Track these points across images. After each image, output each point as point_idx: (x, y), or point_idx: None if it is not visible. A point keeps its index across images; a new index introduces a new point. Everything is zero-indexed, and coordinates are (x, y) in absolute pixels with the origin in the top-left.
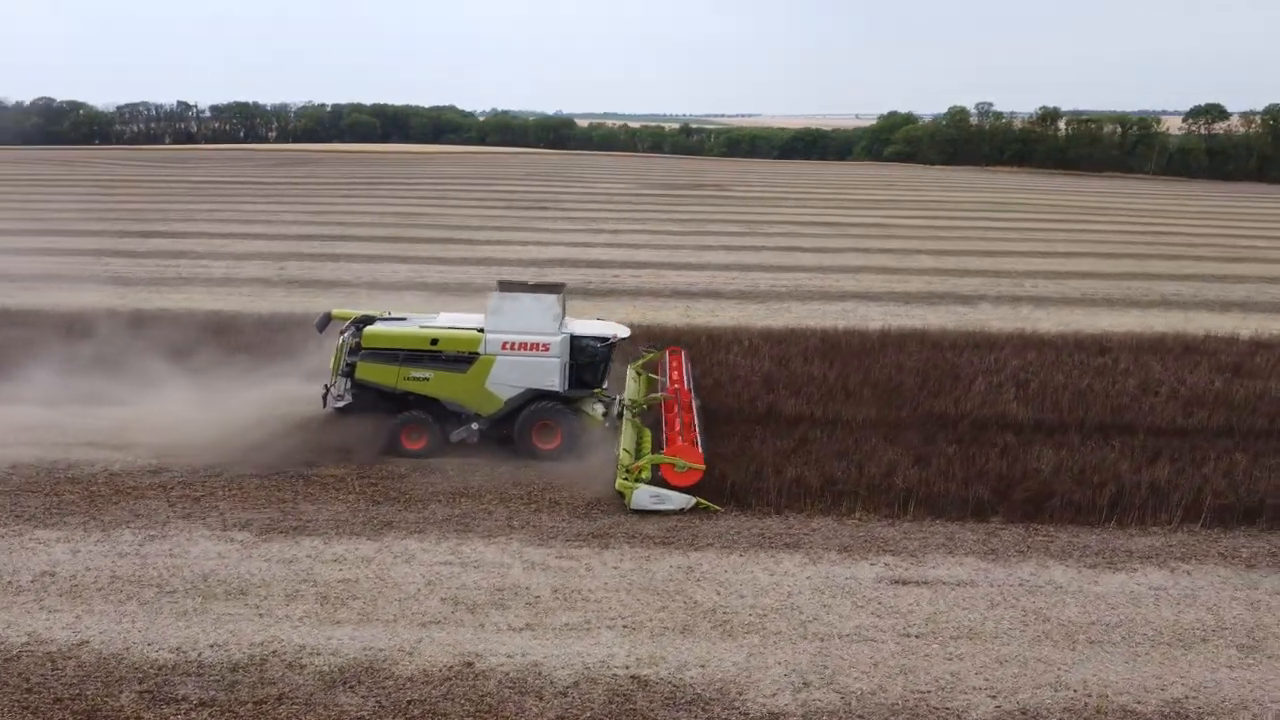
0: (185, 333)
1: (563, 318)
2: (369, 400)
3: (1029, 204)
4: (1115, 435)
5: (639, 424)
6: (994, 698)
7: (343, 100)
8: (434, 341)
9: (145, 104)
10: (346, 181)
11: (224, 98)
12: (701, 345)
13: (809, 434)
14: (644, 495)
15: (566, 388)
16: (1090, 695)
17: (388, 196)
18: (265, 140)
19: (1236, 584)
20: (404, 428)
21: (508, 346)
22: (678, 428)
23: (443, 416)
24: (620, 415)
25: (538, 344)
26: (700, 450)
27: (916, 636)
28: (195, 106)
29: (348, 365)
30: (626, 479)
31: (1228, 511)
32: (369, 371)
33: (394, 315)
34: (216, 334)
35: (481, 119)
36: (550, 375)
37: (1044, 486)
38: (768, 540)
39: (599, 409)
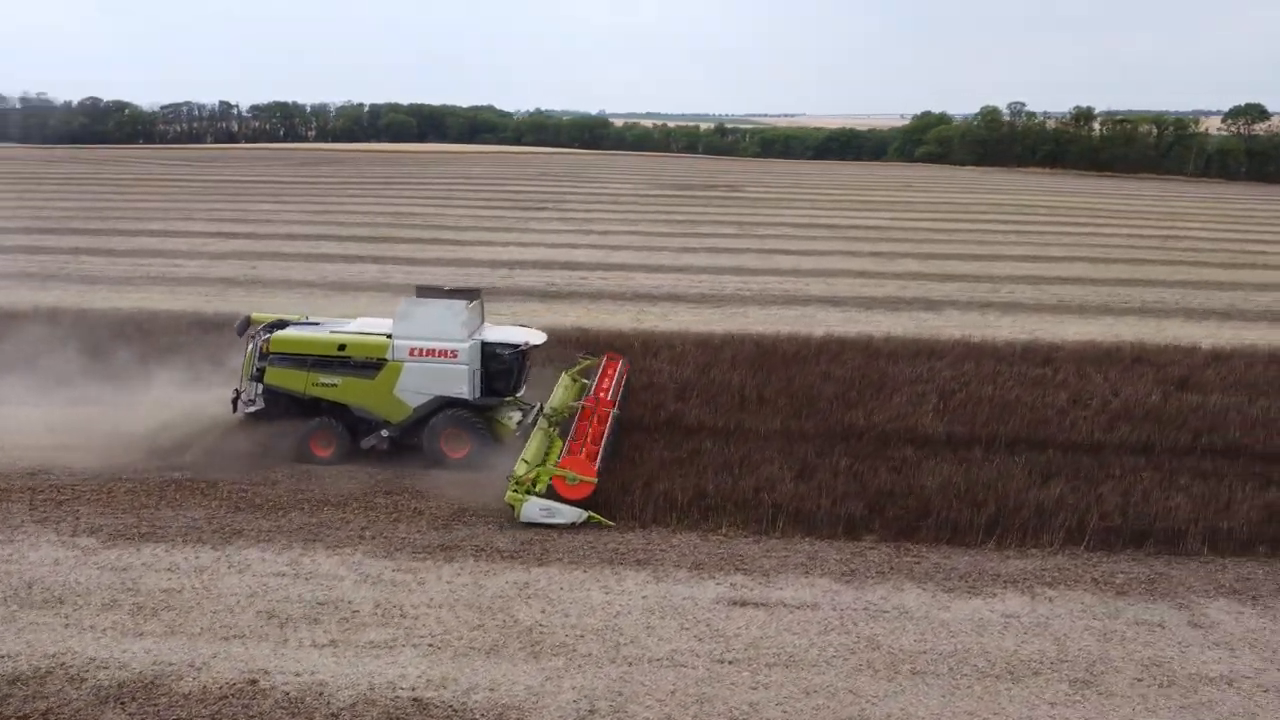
0: (125, 333)
1: (479, 324)
2: (281, 406)
3: (1046, 206)
4: (1026, 450)
5: (552, 433)
6: None
7: (391, 100)
8: (341, 347)
9: (188, 104)
10: (359, 181)
11: (266, 97)
12: (634, 351)
13: (703, 445)
14: (533, 508)
15: (477, 395)
16: None
17: (394, 196)
18: (304, 139)
19: (1097, 612)
20: (313, 434)
21: (415, 353)
22: (578, 439)
23: (353, 423)
24: (535, 424)
25: (446, 350)
26: (595, 463)
27: (730, 663)
28: (236, 106)
29: (258, 370)
30: (516, 490)
31: (1114, 534)
32: (278, 377)
33: (309, 320)
34: (152, 335)
35: (520, 119)
36: (459, 383)
37: (922, 504)
38: (619, 557)
39: (515, 417)
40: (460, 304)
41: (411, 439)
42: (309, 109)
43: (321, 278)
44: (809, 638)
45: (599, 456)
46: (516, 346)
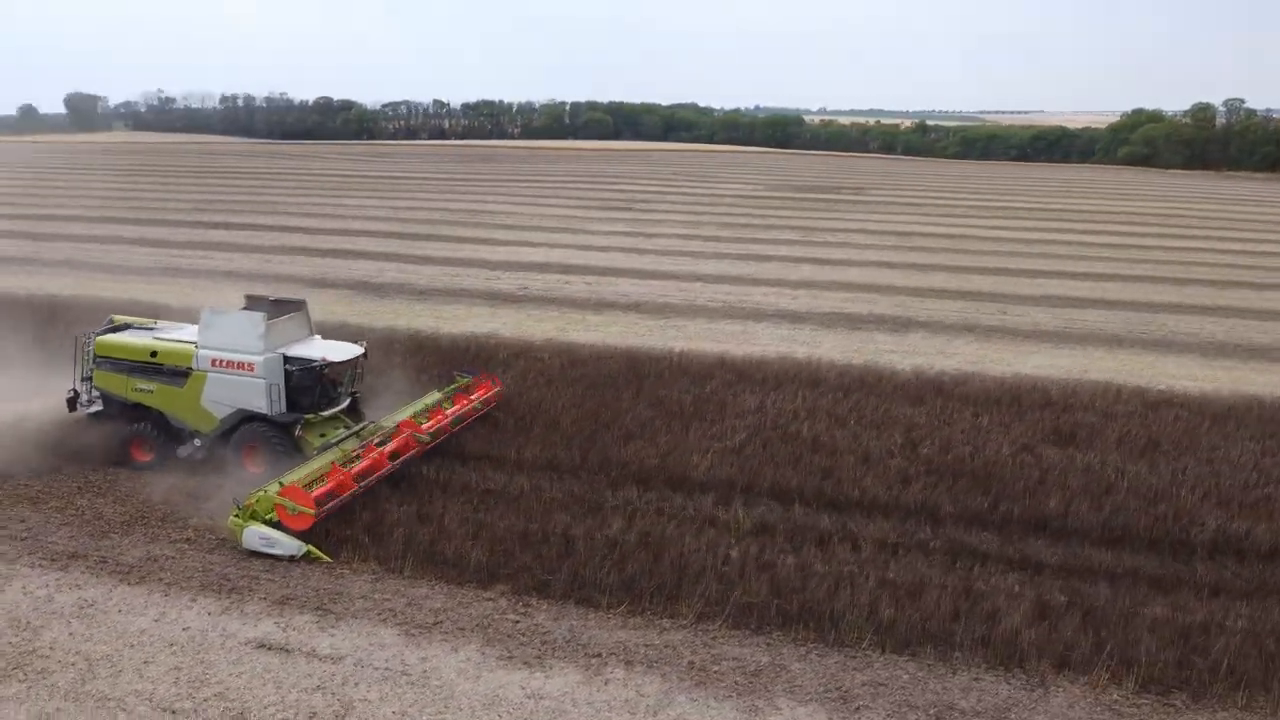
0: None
1: (297, 338)
2: (115, 408)
3: (1199, 218)
4: (784, 503)
5: (348, 455)
6: None
7: (592, 98)
8: (153, 354)
9: (406, 102)
10: (480, 177)
11: (475, 96)
12: (499, 361)
13: (425, 470)
14: (253, 535)
15: (279, 410)
16: None
17: (491, 193)
18: (509, 137)
19: (647, 695)
20: (134, 440)
21: (217, 364)
22: (344, 465)
23: (172, 431)
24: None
25: (244, 363)
26: (312, 494)
27: (171, 710)
28: (448, 105)
29: (88, 372)
30: (238, 516)
31: (763, 612)
32: (104, 380)
33: (145, 324)
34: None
35: (715, 117)
36: (256, 396)
37: (561, 556)
38: (217, 582)
39: (337, 434)
40: (259, 316)
41: (223, 449)
42: (515, 108)
43: (322, 274)
44: (280, 693)
45: (351, 488)
46: (312, 363)
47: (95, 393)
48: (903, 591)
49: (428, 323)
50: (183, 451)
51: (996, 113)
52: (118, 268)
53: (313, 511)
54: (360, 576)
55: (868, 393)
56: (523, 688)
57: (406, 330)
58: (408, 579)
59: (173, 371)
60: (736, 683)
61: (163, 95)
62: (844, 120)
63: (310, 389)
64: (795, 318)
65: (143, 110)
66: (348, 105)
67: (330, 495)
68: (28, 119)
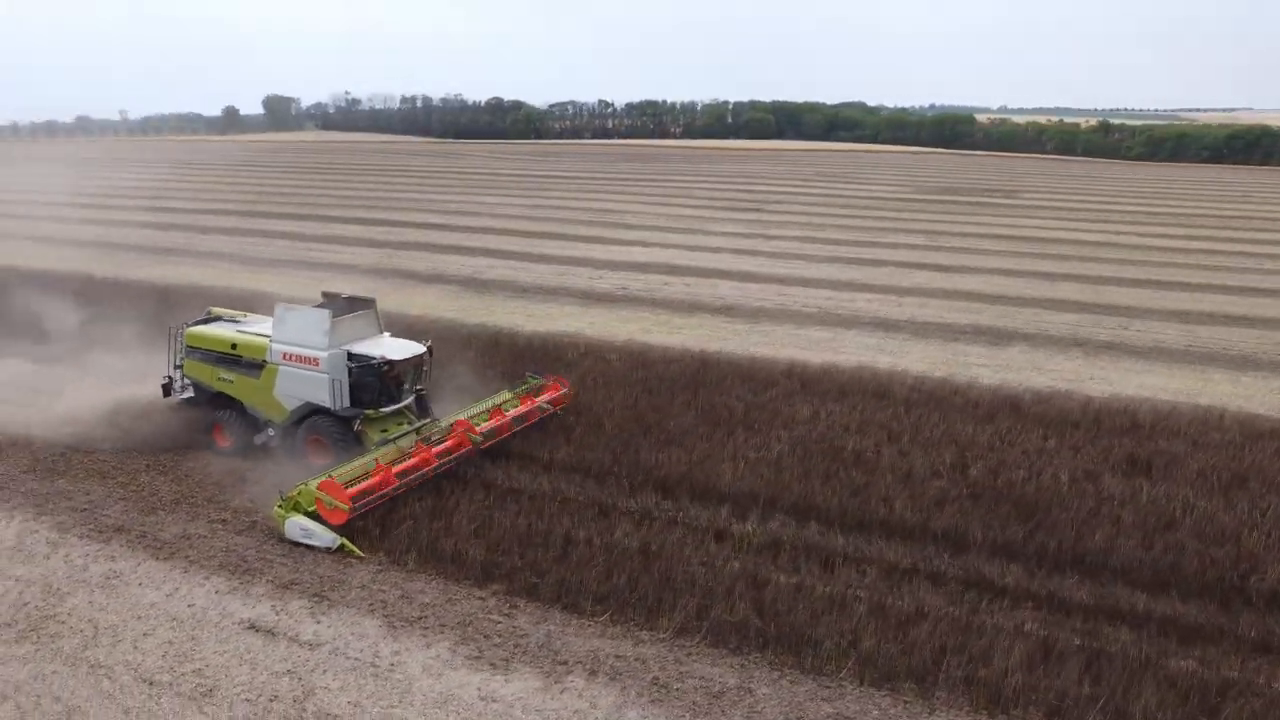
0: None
1: (363, 335)
2: (204, 396)
3: None
4: (802, 522)
5: (402, 450)
6: None
7: (755, 98)
8: (233, 346)
9: (572, 102)
10: (626, 177)
11: (640, 96)
12: (567, 361)
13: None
14: (294, 526)
15: (342, 405)
16: None
17: (637, 192)
18: (670, 136)
19: (601, 707)
20: (217, 426)
21: (288, 358)
22: (389, 463)
23: (250, 419)
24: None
25: (310, 358)
26: (350, 490)
27: (152, 684)
28: (612, 105)
29: (180, 360)
30: (282, 506)
31: (734, 631)
32: (193, 369)
33: (235, 316)
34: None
35: (880, 116)
36: (321, 390)
37: (554, 560)
38: (235, 563)
39: (389, 430)
40: (325, 313)
41: (293, 439)
42: (678, 107)
43: (425, 269)
44: (252, 674)
45: (392, 484)
46: (371, 361)
47: (185, 380)
48: (894, 621)
49: (515, 320)
50: (258, 439)
51: (1194, 110)
52: (253, 259)
53: (347, 507)
54: (366, 567)
55: (934, 408)
56: (479, 689)
57: (493, 327)
58: (408, 572)
59: (250, 363)
60: (695, 703)
61: (349, 97)
62: (1020, 119)
63: (371, 385)
64: (890, 326)
65: (331, 111)
66: (517, 105)
67: (368, 492)
68: (230, 120)
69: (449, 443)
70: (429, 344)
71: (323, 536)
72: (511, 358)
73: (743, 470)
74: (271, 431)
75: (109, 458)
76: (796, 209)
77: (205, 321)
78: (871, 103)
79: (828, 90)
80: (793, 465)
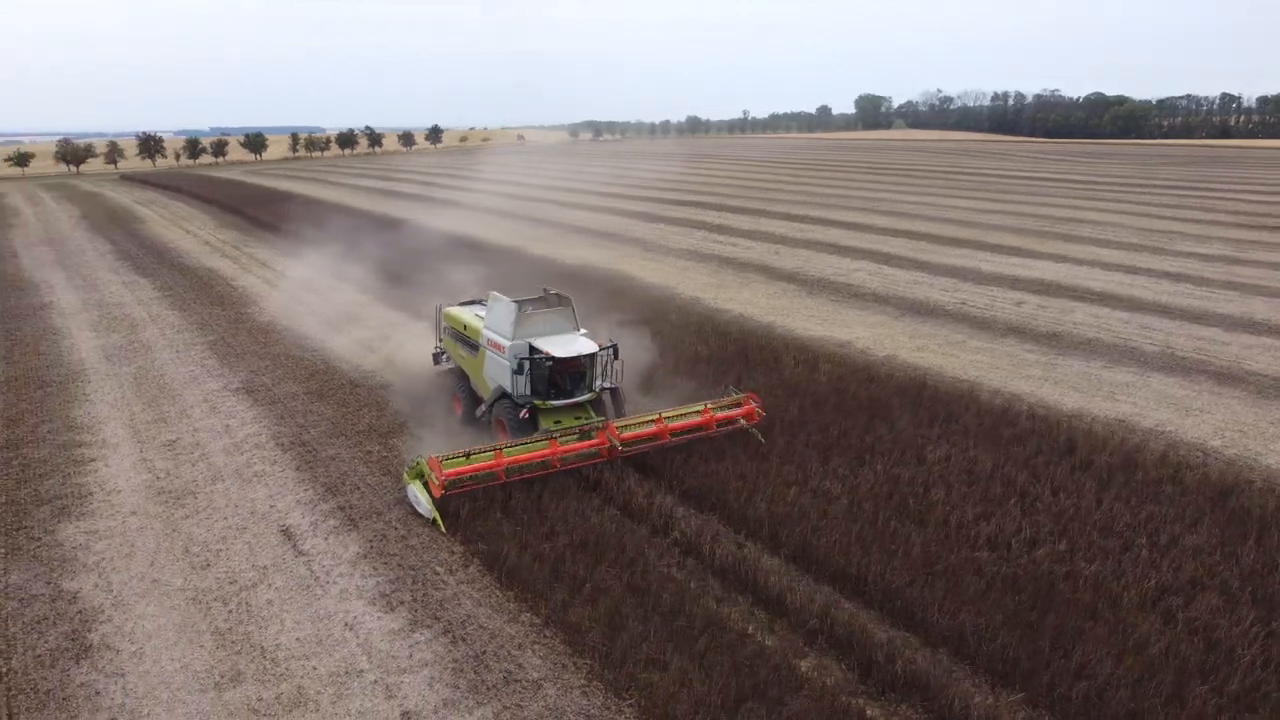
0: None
1: (558, 330)
2: (456, 368)
3: None
4: (773, 557)
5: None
6: None
7: None
8: (464, 327)
9: (1188, 97)
10: (1145, 184)
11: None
12: (774, 366)
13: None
14: (412, 492)
15: (521, 392)
16: None
17: (1139, 201)
18: None
19: None
20: (455, 396)
21: (490, 343)
22: (500, 452)
23: (475, 392)
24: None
25: (501, 345)
26: (445, 471)
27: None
28: (1239, 99)
29: (441, 336)
30: (408, 472)
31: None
32: (448, 344)
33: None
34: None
35: None
36: (504, 376)
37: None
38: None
39: (562, 421)
40: (513, 305)
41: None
42: None
43: (795, 268)
44: (251, 558)
45: (498, 473)
46: (539, 356)
47: (446, 353)
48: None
49: (790, 321)
50: (478, 413)
51: None
52: (656, 247)
53: (440, 483)
54: (406, 523)
55: (1139, 485)
56: (354, 619)
57: (769, 326)
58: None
59: (472, 344)
60: (485, 682)
61: (941, 95)
62: None
63: (542, 377)
64: (1232, 378)
65: (922, 109)
66: (1120, 100)
67: (467, 476)
68: (820, 118)
69: (585, 444)
70: (612, 344)
71: (424, 506)
72: (729, 356)
73: (773, 501)
74: (483, 408)
75: (368, 393)
76: None
77: (464, 304)
78: None
79: None
80: (838, 509)
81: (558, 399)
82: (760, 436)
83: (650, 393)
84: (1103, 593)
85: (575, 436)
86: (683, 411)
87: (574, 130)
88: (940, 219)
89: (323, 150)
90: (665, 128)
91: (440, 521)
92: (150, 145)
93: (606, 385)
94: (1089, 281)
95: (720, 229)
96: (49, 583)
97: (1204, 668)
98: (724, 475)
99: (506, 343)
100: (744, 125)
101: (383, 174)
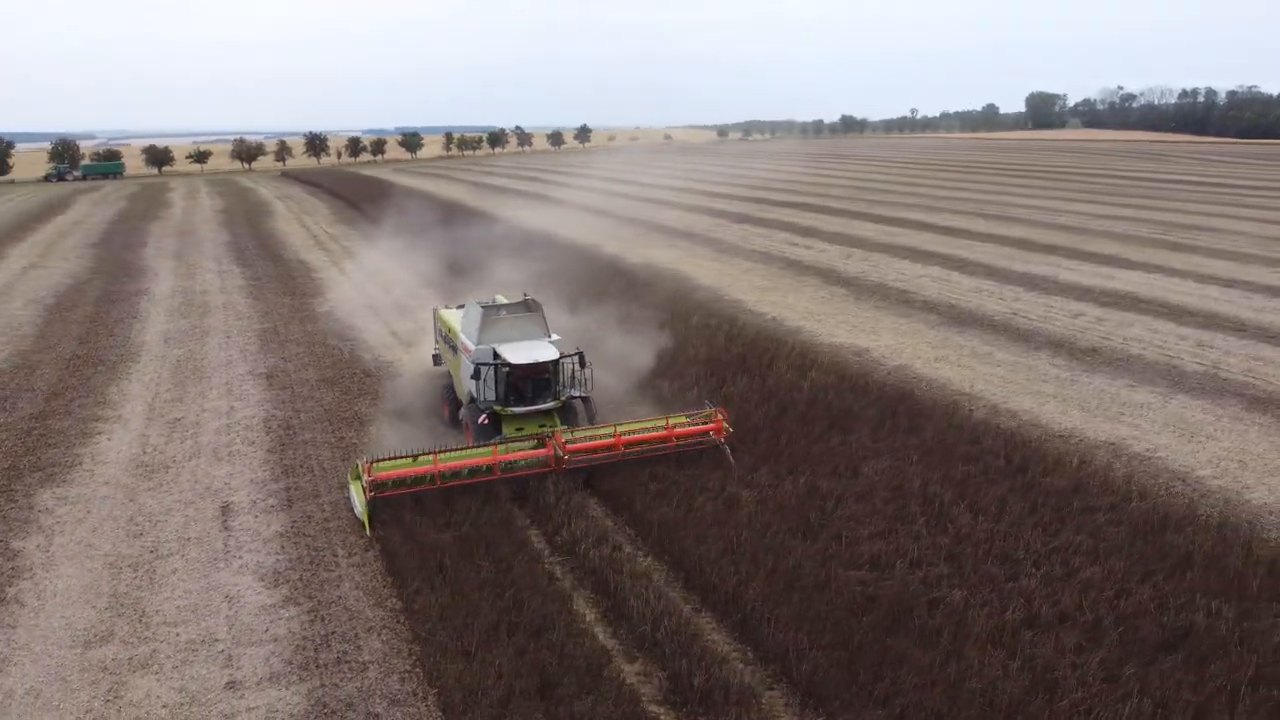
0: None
1: (519, 335)
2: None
3: None
4: (687, 594)
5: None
6: None
7: None
8: (449, 330)
9: None
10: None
11: None
12: (764, 370)
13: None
14: (351, 492)
15: (484, 397)
16: None
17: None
18: None
19: None
20: (443, 399)
21: (464, 347)
22: (437, 457)
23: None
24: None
25: (469, 349)
26: (374, 474)
27: None
28: None
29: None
30: (351, 471)
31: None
32: (440, 345)
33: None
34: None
35: None
36: (469, 377)
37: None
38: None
39: (525, 428)
40: (478, 310)
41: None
42: None
43: (858, 273)
44: (183, 522)
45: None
46: (493, 361)
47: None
48: None
49: (819, 327)
50: (462, 413)
51: None
52: (730, 247)
53: (367, 487)
54: (336, 506)
55: (1071, 512)
56: (237, 592)
57: (773, 330)
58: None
59: (455, 348)
60: (317, 660)
61: (1122, 92)
62: None
63: (501, 384)
64: (1269, 404)
65: (1100, 107)
66: None
67: (395, 481)
68: (986, 117)
69: (527, 454)
70: (578, 352)
71: (357, 506)
72: (735, 363)
73: (698, 531)
74: (463, 411)
75: (374, 383)
76: None
77: (462, 307)
78: None
79: None
80: (773, 543)
81: (519, 406)
82: (731, 456)
83: (637, 395)
84: (957, 621)
85: (530, 445)
86: (642, 425)
87: (722, 130)
88: (1047, 224)
89: (474, 149)
90: (818, 127)
91: (368, 525)
92: (316, 144)
93: (576, 394)
94: (1169, 294)
95: (806, 231)
96: (1, 540)
97: (1011, 707)
98: (643, 479)
99: (472, 347)
100: (904, 125)
101: (510, 171)
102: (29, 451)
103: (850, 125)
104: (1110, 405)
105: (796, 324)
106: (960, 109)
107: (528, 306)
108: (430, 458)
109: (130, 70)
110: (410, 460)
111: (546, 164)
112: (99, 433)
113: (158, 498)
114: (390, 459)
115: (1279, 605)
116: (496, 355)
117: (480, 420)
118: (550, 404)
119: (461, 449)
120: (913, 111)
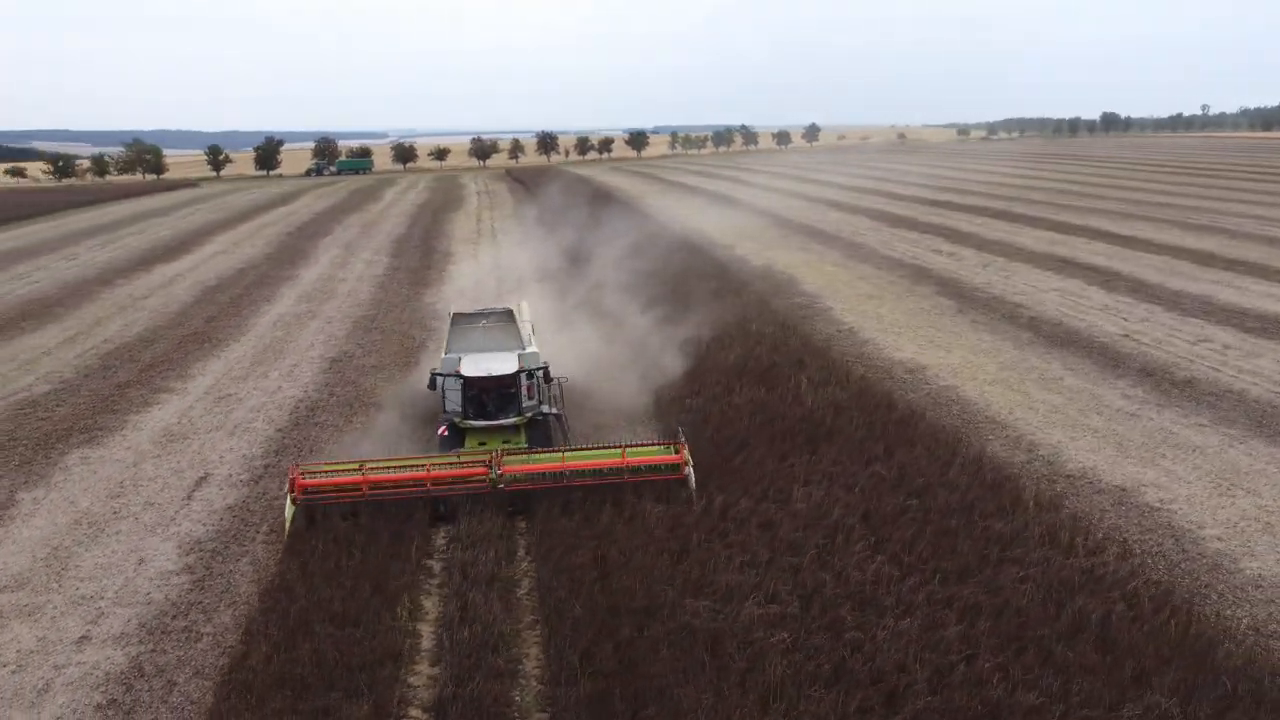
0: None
1: (491, 345)
2: None
3: None
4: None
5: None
6: None
7: None
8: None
9: None
10: None
11: None
12: (773, 381)
13: None
14: (289, 506)
15: (451, 407)
16: None
17: None
18: None
19: None
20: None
21: (444, 356)
22: (366, 469)
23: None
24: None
25: (444, 358)
26: (304, 481)
27: None
28: None
29: None
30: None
31: None
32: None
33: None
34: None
35: None
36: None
37: None
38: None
39: (488, 443)
40: (450, 320)
41: None
42: None
43: (949, 274)
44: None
45: (359, 491)
46: (448, 374)
47: None
48: None
49: (891, 340)
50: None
51: None
52: (865, 253)
53: (292, 492)
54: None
55: (995, 562)
56: (149, 557)
57: (836, 341)
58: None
59: None
60: (164, 626)
61: None
62: None
63: (457, 395)
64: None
65: None
66: None
67: (321, 489)
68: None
69: (458, 472)
70: (541, 366)
71: (288, 508)
72: (755, 373)
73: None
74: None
75: (419, 375)
76: None
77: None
78: None
79: None
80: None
81: (479, 419)
82: (693, 493)
83: (637, 406)
84: (763, 663)
85: (480, 462)
86: (595, 452)
87: (963, 129)
88: (1249, 235)
89: (699, 148)
90: (1074, 125)
91: (287, 528)
92: (546, 142)
93: (548, 411)
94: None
95: (959, 237)
96: (10, 489)
97: None
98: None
99: (444, 355)
100: (1176, 123)
101: (711, 170)
102: (92, 414)
103: (1112, 123)
104: (1156, 445)
105: (869, 336)
106: (1260, 104)
107: (500, 315)
108: (357, 467)
109: (428, 76)
110: (340, 467)
111: (755, 163)
112: (157, 403)
113: (156, 465)
114: (323, 465)
115: None
116: (457, 365)
117: (440, 431)
118: (513, 419)
119: (395, 459)
120: (1204, 109)
